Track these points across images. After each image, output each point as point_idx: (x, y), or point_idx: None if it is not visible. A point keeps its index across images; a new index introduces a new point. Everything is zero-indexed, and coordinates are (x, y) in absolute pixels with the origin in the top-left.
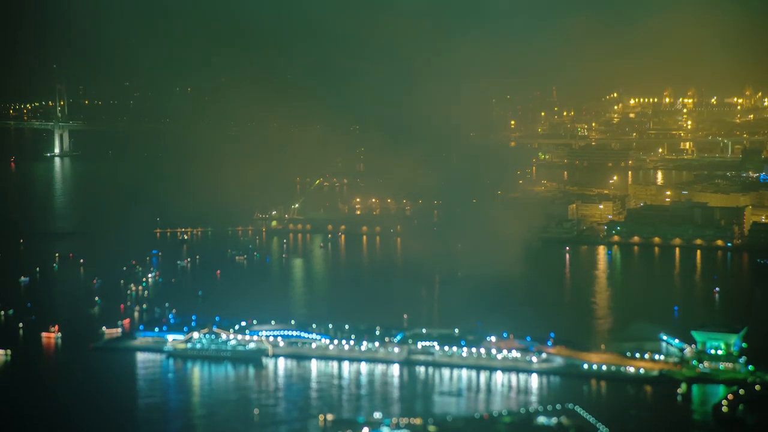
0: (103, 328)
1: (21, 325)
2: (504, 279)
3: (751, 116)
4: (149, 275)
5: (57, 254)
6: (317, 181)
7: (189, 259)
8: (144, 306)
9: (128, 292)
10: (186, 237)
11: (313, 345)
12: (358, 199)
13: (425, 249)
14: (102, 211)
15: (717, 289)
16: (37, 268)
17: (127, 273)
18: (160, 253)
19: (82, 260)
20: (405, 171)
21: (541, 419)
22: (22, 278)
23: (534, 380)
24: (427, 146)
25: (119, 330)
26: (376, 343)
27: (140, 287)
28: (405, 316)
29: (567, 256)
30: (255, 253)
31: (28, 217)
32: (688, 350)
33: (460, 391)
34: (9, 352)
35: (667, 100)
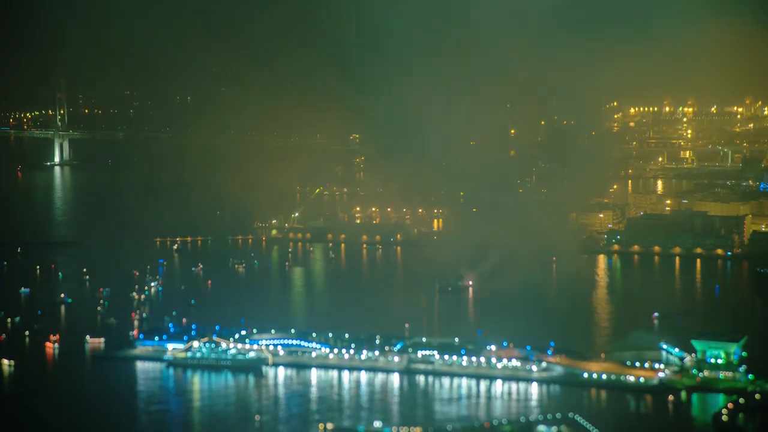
0: (87, 337)
1: (27, 333)
2: (504, 288)
3: (751, 125)
4: (152, 284)
5: (38, 267)
6: (317, 190)
7: (202, 265)
8: (152, 314)
9: (134, 301)
10: (179, 246)
11: (313, 354)
12: (358, 208)
13: (425, 258)
14: (102, 220)
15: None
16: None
17: (132, 282)
18: (165, 263)
19: (85, 269)
20: (404, 180)
21: (541, 428)
22: (23, 289)
23: (534, 389)
24: (426, 155)
25: (102, 340)
26: (376, 352)
27: (143, 296)
28: (407, 325)
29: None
30: (255, 262)
31: (28, 226)
32: (688, 359)
33: (461, 399)
34: (13, 362)
35: (667, 109)
